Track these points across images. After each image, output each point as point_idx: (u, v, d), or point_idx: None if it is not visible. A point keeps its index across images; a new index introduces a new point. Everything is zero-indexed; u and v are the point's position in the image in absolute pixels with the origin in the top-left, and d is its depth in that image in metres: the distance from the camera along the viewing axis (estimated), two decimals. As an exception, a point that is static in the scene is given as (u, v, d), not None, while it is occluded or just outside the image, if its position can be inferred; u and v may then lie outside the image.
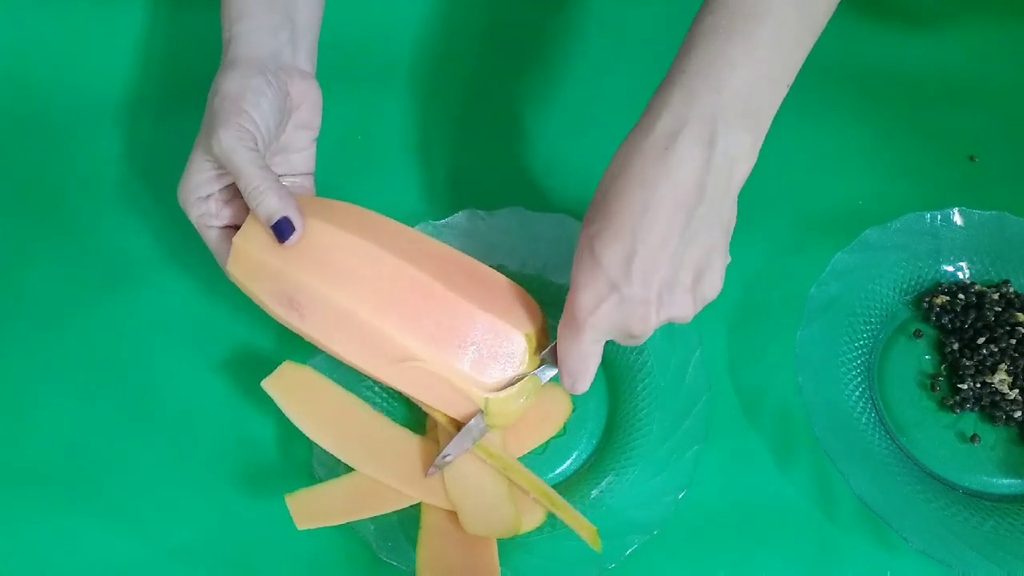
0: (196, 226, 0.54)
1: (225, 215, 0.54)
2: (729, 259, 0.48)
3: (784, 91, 0.45)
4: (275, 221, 0.50)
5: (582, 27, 0.73)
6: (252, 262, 0.52)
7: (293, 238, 0.50)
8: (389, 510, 0.54)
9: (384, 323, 0.50)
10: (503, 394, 0.51)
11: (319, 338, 0.52)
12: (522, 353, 0.52)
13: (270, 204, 0.50)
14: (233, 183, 0.53)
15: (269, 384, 0.54)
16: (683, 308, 0.47)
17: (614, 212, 0.45)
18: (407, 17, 0.73)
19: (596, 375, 0.60)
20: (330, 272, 0.51)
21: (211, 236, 0.54)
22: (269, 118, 0.52)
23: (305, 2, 0.56)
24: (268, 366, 0.55)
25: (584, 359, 0.49)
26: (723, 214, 0.46)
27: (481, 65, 0.71)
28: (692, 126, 0.43)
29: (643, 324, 0.47)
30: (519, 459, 0.57)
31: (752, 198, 0.65)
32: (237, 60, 0.53)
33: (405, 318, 0.51)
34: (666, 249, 0.45)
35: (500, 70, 0.71)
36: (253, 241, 0.52)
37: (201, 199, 0.54)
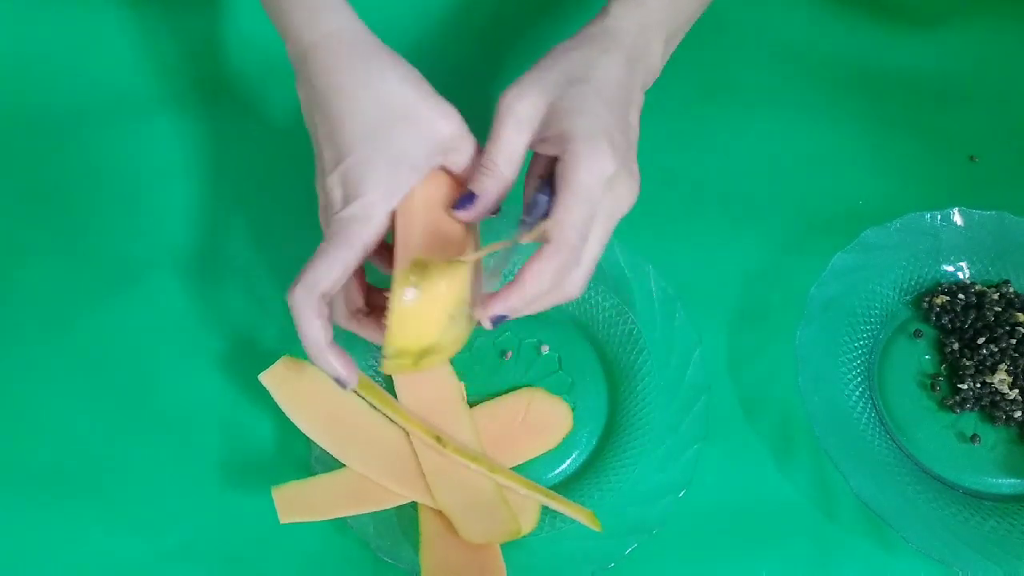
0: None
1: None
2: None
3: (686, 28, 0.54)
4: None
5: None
6: None
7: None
8: (377, 508, 0.54)
9: None
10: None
11: None
12: None
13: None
14: None
15: (266, 378, 0.54)
16: (635, 188, 0.48)
17: (594, 77, 0.47)
18: (402, 15, 0.73)
19: (596, 375, 0.60)
20: None
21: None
22: None
23: None
24: (268, 363, 0.55)
25: (579, 227, 0.46)
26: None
27: (479, 64, 0.71)
28: (636, 32, 0.50)
29: (629, 195, 0.47)
30: (515, 468, 0.57)
31: (752, 198, 0.65)
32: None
33: None
34: (630, 130, 0.49)
35: (499, 70, 0.71)
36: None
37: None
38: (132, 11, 0.73)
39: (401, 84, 0.48)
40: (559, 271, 0.45)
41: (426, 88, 0.49)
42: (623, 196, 0.47)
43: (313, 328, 0.47)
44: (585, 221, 0.45)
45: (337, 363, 0.49)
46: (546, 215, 0.46)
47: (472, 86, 0.71)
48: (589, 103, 0.46)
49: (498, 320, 0.46)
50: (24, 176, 0.67)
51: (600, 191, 0.45)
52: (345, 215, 0.47)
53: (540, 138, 0.47)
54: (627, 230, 0.60)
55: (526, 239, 0.46)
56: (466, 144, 0.49)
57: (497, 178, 0.47)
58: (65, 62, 0.71)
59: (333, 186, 0.48)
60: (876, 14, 0.73)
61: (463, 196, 0.48)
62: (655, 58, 0.51)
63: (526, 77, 0.48)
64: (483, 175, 0.48)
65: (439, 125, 0.48)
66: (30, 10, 0.72)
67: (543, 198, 0.47)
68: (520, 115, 0.47)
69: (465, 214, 0.48)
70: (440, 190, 0.49)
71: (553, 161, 0.47)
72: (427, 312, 0.45)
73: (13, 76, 0.70)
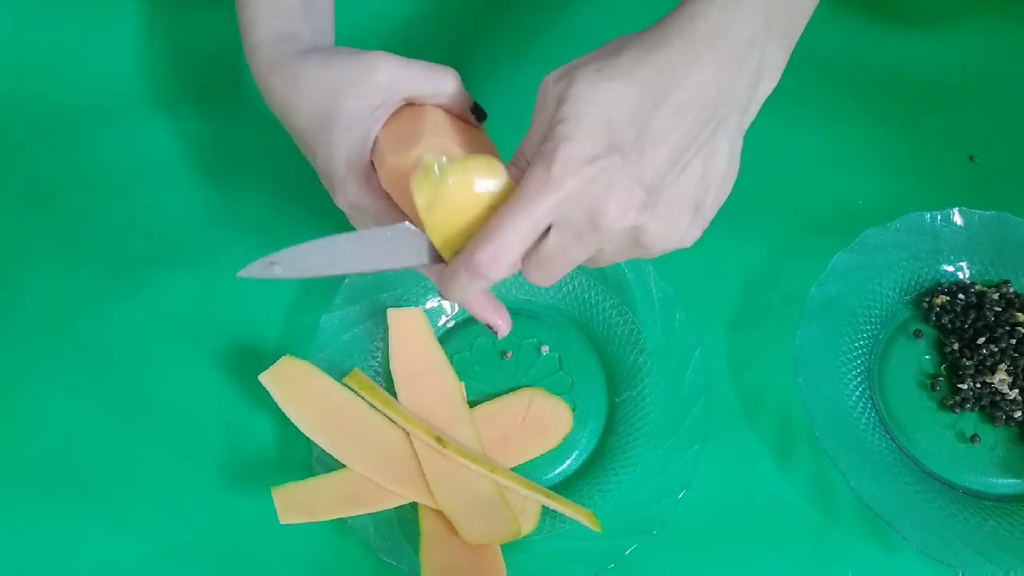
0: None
1: None
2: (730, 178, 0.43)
3: (805, 20, 0.43)
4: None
5: (581, 20, 0.73)
6: None
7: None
8: (378, 509, 0.54)
9: None
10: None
11: None
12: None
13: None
14: None
15: (267, 378, 0.55)
16: (674, 222, 0.41)
17: (638, 70, 0.39)
18: (399, 7, 0.73)
19: (596, 375, 0.60)
20: None
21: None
22: None
23: None
24: (268, 363, 0.55)
25: (526, 231, 0.39)
26: (739, 129, 0.42)
27: (478, 58, 0.71)
28: (740, 26, 0.40)
29: (620, 211, 0.39)
30: (515, 468, 0.57)
31: (752, 198, 0.65)
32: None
33: None
34: (680, 140, 0.39)
35: (500, 64, 0.71)
36: None
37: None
38: (132, 11, 0.73)
39: (321, 69, 0.47)
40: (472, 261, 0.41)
41: (343, 55, 0.47)
42: (583, 197, 0.39)
43: (468, 288, 0.43)
44: (511, 224, 0.39)
45: (491, 312, 0.47)
46: None
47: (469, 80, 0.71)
48: (601, 84, 0.39)
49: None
50: (24, 175, 0.67)
51: (543, 199, 0.39)
52: (348, 207, 0.48)
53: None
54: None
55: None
56: (424, 76, 0.46)
57: (523, 168, 0.42)
58: (65, 62, 0.71)
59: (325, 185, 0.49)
60: (876, 14, 0.73)
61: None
62: (774, 57, 0.42)
63: (573, 62, 0.41)
64: (513, 165, 0.43)
65: (369, 77, 0.46)
66: (30, 10, 0.72)
67: None
68: (545, 92, 0.41)
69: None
70: (401, 122, 0.47)
71: None
72: (463, 187, 0.41)
73: (13, 76, 0.70)
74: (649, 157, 0.39)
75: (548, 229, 0.40)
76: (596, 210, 0.39)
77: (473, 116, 0.48)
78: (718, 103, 0.40)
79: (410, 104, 0.48)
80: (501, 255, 0.40)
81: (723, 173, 0.42)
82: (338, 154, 0.47)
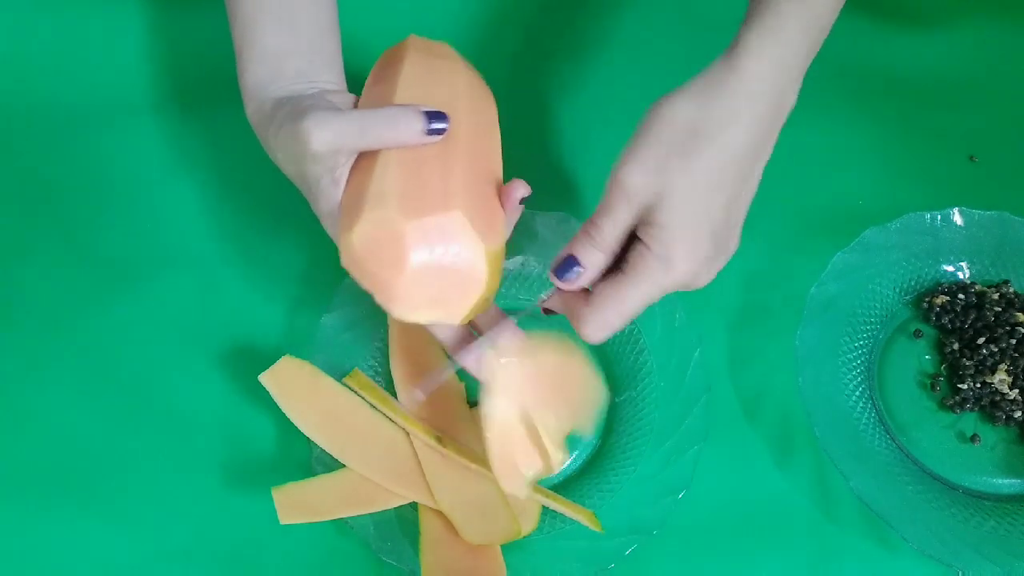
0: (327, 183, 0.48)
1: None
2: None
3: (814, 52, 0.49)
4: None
5: (584, 32, 0.73)
6: None
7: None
8: (378, 509, 0.54)
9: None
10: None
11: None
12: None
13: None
14: None
15: (267, 378, 0.54)
16: (720, 265, 0.48)
17: (712, 155, 0.45)
18: (411, 9, 0.73)
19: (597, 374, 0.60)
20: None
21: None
22: None
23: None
24: (268, 363, 0.55)
25: (637, 304, 0.46)
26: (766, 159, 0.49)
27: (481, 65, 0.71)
28: (774, 74, 0.46)
29: (708, 276, 0.47)
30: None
31: (752, 198, 0.65)
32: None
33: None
34: (748, 201, 0.48)
35: (501, 72, 0.71)
36: None
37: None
38: (132, 11, 0.73)
39: (280, 137, 0.47)
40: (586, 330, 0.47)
41: (290, 120, 0.47)
42: (694, 278, 0.47)
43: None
44: (619, 315, 0.46)
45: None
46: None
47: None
48: (698, 190, 0.45)
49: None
50: (24, 176, 0.67)
51: (659, 289, 0.46)
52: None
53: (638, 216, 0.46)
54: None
55: (549, 305, 0.50)
56: (360, 134, 0.46)
57: (605, 251, 0.46)
58: (65, 62, 0.71)
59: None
60: (876, 14, 0.73)
61: (565, 261, 0.47)
62: (791, 98, 0.48)
63: (639, 147, 0.45)
64: (591, 246, 0.46)
65: (308, 148, 0.46)
66: (30, 10, 0.72)
67: (578, 270, 0.47)
68: (631, 192, 0.45)
69: (567, 284, 0.47)
70: (357, 178, 0.48)
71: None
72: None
73: (13, 76, 0.70)
74: (734, 235, 0.48)
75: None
76: (690, 284, 0.47)
77: (434, 136, 0.46)
78: (764, 152, 0.48)
79: (367, 153, 0.47)
80: (608, 328, 0.47)
81: (752, 194, 0.49)
82: (319, 212, 0.49)
